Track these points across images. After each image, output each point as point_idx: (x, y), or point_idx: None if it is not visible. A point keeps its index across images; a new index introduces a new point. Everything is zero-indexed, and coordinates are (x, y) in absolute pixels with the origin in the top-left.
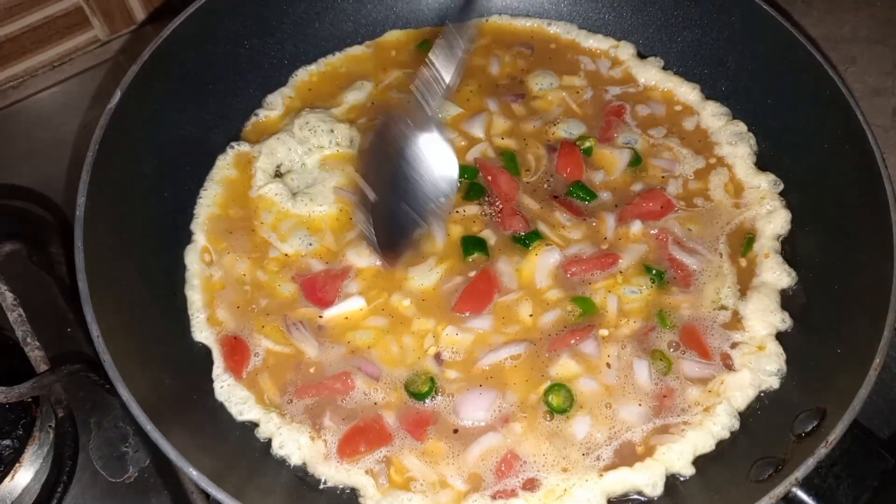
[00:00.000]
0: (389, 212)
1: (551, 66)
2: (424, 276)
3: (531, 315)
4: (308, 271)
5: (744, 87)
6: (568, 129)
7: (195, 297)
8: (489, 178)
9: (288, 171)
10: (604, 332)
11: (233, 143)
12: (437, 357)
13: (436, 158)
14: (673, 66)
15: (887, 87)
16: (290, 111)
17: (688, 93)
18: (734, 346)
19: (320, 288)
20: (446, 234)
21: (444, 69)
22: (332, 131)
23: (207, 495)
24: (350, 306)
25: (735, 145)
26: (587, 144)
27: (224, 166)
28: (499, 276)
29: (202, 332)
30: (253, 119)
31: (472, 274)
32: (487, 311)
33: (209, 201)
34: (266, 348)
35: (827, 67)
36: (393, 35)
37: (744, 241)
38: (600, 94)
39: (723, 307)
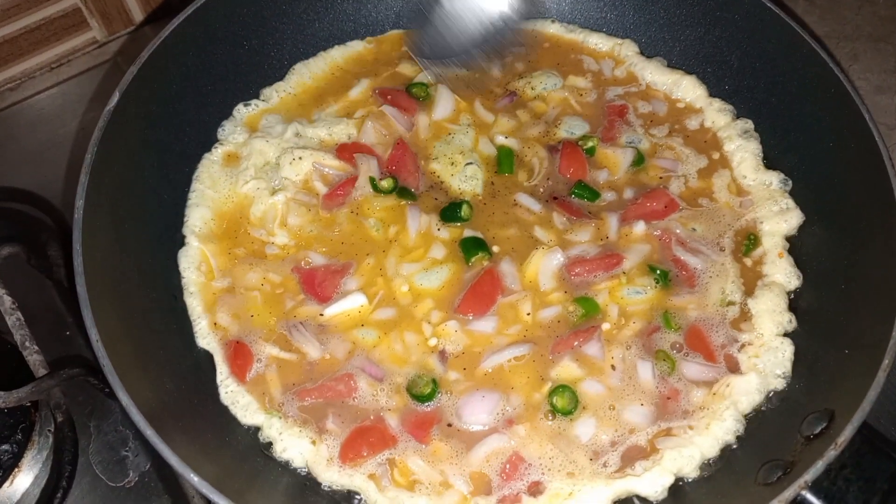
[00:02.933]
0: (440, 21)
1: (555, 66)
2: (427, 278)
3: (529, 314)
4: (308, 264)
5: (747, 86)
6: (570, 129)
7: (194, 303)
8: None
9: (276, 165)
10: (605, 325)
11: (217, 144)
12: (442, 354)
13: None
14: (676, 64)
15: (891, 85)
16: (286, 104)
17: (692, 91)
18: (742, 347)
19: (319, 283)
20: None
21: None
22: (329, 133)
23: (209, 500)
24: (351, 304)
25: (742, 143)
26: (590, 144)
27: (210, 164)
28: (502, 278)
29: (204, 339)
30: (244, 111)
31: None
32: (491, 313)
33: (197, 201)
34: (269, 354)
35: (832, 65)
36: (396, 35)
37: (745, 240)
38: (603, 93)
39: (731, 303)
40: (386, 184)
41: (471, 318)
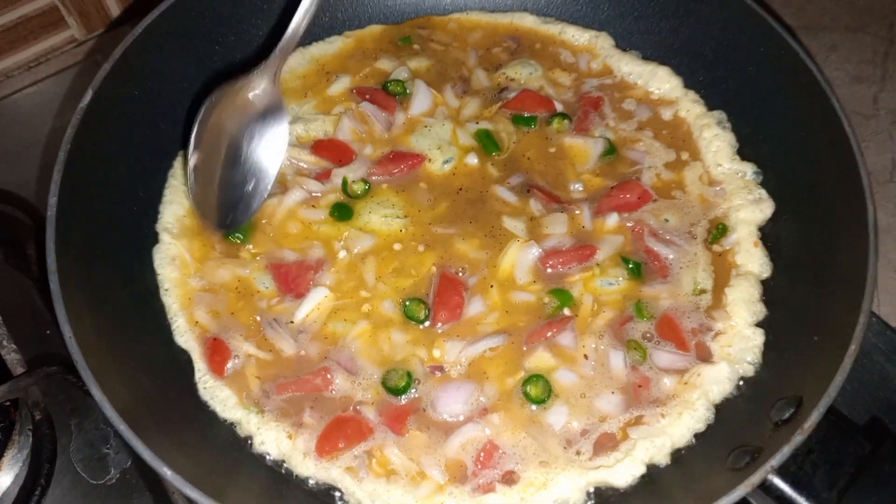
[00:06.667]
0: (217, 180)
1: (533, 57)
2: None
3: (492, 286)
4: (282, 261)
5: (721, 77)
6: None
7: (170, 300)
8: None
9: None
10: (565, 311)
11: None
12: (440, 368)
13: (271, 142)
14: (650, 56)
15: (868, 75)
16: None
17: (667, 82)
18: (715, 336)
19: (293, 279)
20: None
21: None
22: (305, 130)
23: (189, 495)
24: (315, 299)
25: (716, 134)
26: (556, 126)
27: (183, 163)
28: (459, 276)
29: (182, 336)
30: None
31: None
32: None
33: (172, 198)
34: (246, 351)
35: (803, 55)
36: (375, 29)
37: (715, 229)
38: (579, 86)
39: (703, 291)
40: (357, 187)
41: (448, 325)
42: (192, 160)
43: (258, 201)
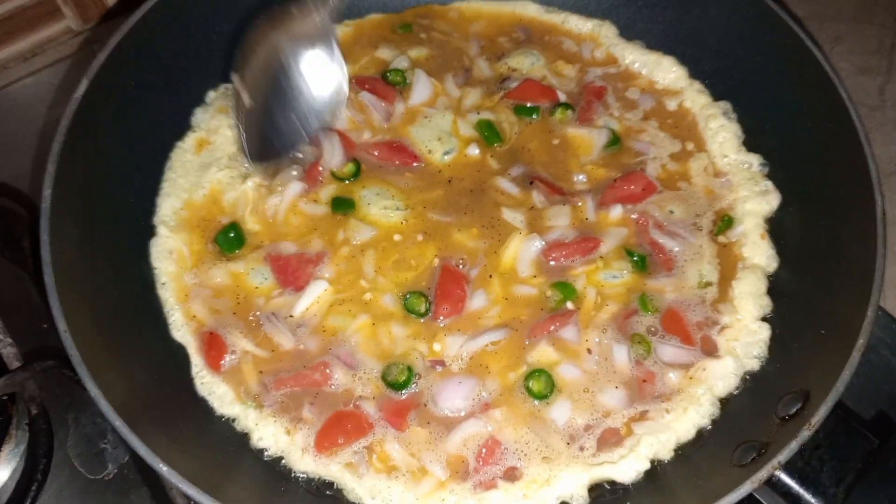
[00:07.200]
0: (266, 121)
1: (535, 46)
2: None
3: (491, 276)
4: (282, 253)
5: (726, 67)
6: (521, 62)
7: (166, 294)
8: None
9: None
10: (568, 305)
11: (189, 131)
12: (440, 362)
13: (321, 76)
14: (655, 46)
15: (874, 66)
16: None
17: (672, 72)
18: (721, 330)
19: (293, 272)
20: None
21: None
22: None
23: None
24: (315, 292)
25: (721, 125)
26: (559, 116)
27: (182, 152)
28: (460, 268)
29: (178, 331)
30: (217, 97)
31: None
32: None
33: (169, 190)
34: (243, 346)
35: (810, 45)
36: (375, 18)
37: (721, 220)
38: (582, 76)
39: (708, 284)
40: (347, 169)
41: (450, 319)
42: (245, 98)
43: (303, 138)
